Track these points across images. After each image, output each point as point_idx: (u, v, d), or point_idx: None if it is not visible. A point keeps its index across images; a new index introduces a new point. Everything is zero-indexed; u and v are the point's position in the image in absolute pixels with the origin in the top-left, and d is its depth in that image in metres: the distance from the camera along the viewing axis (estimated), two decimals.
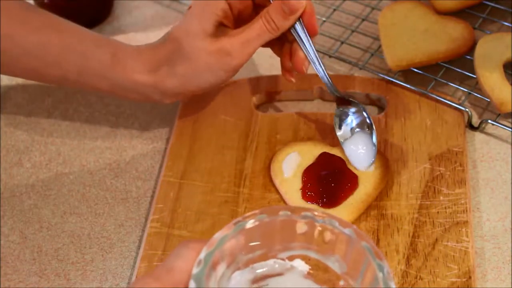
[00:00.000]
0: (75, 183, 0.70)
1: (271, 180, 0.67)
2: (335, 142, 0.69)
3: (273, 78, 0.76)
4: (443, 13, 0.78)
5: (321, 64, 0.67)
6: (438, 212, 0.63)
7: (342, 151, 0.67)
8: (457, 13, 0.78)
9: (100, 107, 0.76)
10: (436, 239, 0.61)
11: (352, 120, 0.68)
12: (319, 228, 0.48)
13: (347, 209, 0.63)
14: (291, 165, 0.67)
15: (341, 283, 0.48)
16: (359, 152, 0.67)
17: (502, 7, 0.80)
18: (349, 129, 0.68)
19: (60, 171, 0.71)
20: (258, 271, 0.48)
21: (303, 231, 0.48)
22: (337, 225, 0.47)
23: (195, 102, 0.73)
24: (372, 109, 0.74)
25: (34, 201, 0.68)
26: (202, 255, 0.45)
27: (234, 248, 0.47)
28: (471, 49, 0.75)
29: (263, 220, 0.47)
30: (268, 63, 0.79)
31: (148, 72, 0.66)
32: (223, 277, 0.46)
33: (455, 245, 0.61)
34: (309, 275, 0.49)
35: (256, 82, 0.75)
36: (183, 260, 0.46)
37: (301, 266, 0.49)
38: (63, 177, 0.70)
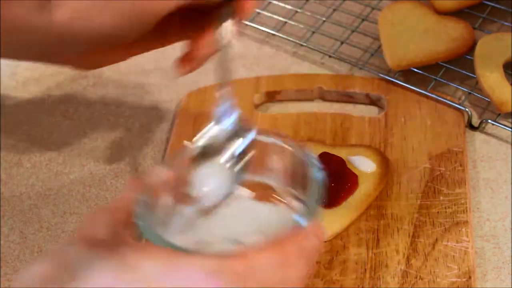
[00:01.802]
0: (75, 183, 0.70)
1: None
2: (335, 142, 0.68)
3: (273, 78, 0.76)
4: (443, 13, 0.78)
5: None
6: (438, 212, 0.63)
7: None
8: (457, 13, 0.78)
9: (100, 107, 0.76)
10: (436, 239, 0.61)
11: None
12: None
13: (347, 209, 0.63)
14: None
15: (285, 195, 0.50)
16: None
17: (502, 7, 0.80)
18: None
19: (60, 171, 0.71)
20: (206, 203, 0.49)
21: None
22: (259, 137, 0.48)
23: (195, 102, 0.73)
24: (372, 109, 0.74)
25: (34, 201, 0.68)
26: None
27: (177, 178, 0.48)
28: (471, 49, 0.75)
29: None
30: (268, 63, 0.79)
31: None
32: (173, 211, 0.48)
33: (455, 245, 0.61)
34: (254, 198, 0.50)
35: (256, 82, 0.75)
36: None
37: (244, 192, 0.50)
38: (63, 177, 0.70)
